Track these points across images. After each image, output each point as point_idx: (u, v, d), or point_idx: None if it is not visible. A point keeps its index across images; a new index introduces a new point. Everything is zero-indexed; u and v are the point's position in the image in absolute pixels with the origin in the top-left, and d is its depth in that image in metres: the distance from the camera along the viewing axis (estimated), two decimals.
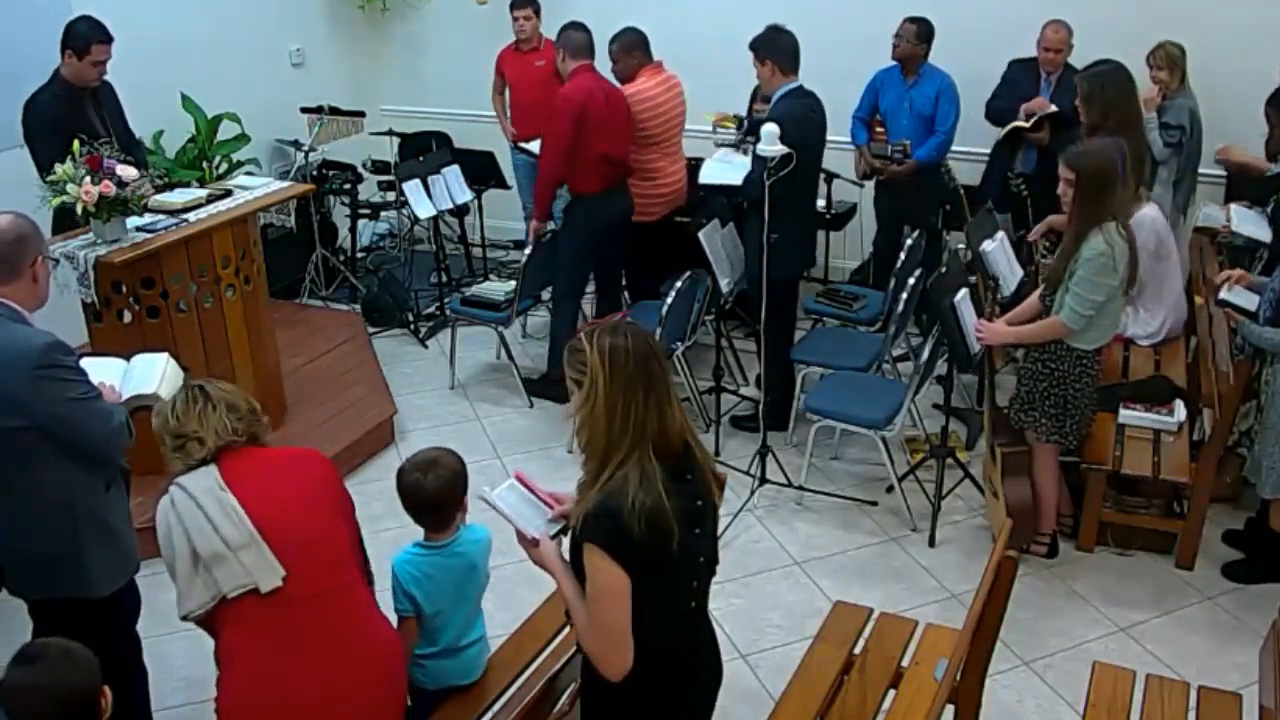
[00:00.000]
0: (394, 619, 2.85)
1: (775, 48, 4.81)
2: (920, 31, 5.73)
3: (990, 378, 4.50)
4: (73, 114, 4.76)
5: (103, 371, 3.10)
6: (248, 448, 2.60)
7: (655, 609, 2.19)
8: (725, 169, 5.48)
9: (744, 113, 5.78)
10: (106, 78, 4.92)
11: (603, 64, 5.48)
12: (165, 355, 3.29)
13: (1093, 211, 3.87)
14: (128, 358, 3.26)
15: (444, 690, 2.96)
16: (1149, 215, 4.61)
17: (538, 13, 6.47)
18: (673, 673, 2.30)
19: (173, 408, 2.59)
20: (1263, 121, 5.06)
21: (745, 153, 5.16)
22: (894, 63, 5.87)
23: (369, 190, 7.34)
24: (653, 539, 2.11)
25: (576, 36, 5.34)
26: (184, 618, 2.51)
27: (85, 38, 4.71)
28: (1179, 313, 4.91)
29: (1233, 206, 4.93)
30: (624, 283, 5.98)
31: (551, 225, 5.68)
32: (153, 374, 3.16)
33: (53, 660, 2.09)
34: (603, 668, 2.21)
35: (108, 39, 4.76)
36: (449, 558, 2.87)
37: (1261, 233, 4.80)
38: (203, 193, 4.90)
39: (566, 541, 2.31)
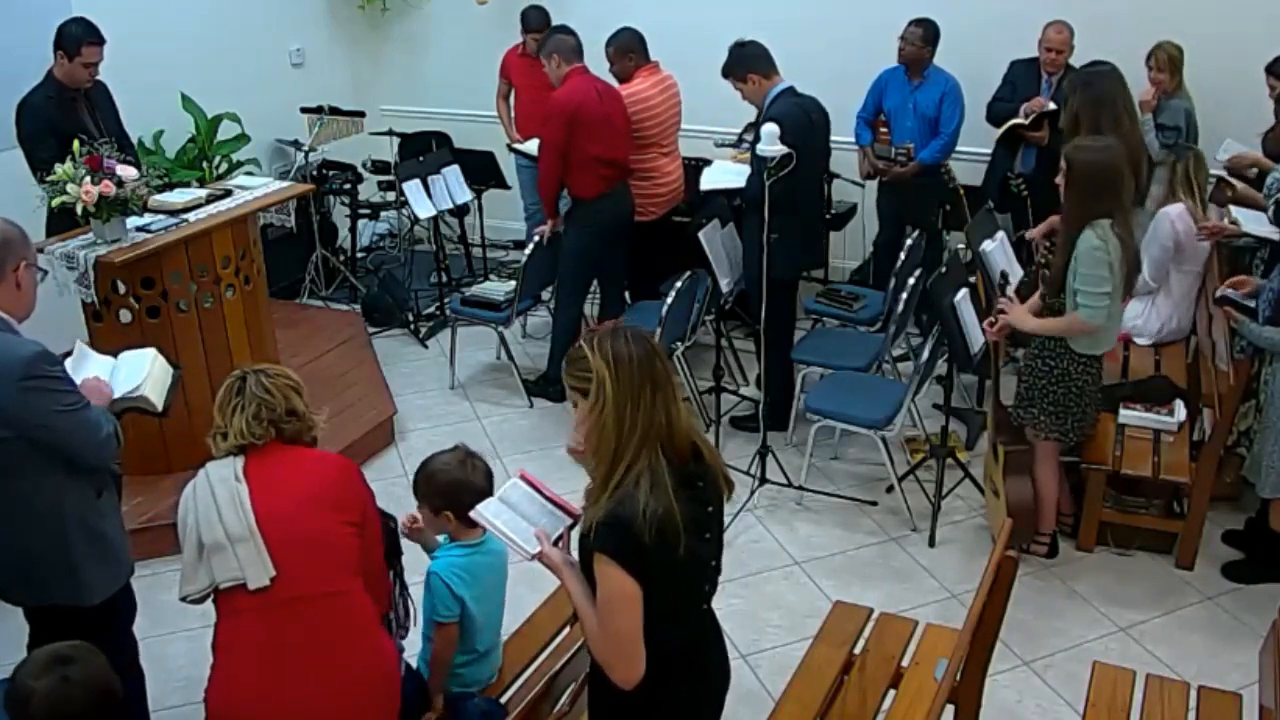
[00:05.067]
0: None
1: (747, 60, 4.81)
2: (925, 34, 5.72)
3: (995, 376, 4.49)
4: (66, 115, 4.75)
5: (91, 369, 3.06)
6: (276, 444, 2.59)
7: (665, 614, 2.18)
8: (726, 174, 5.49)
9: (748, 119, 5.78)
10: (101, 79, 4.91)
11: (600, 66, 5.48)
12: (152, 352, 3.22)
13: (1084, 208, 3.84)
14: (115, 355, 3.21)
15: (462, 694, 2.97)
16: (1173, 212, 4.60)
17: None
18: (682, 676, 2.29)
19: (219, 395, 2.61)
20: (1257, 123, 5.05)
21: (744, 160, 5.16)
22: (898, 63, 5.86)
23: (369, 190, 7.34)
24: (663, 546, 2.10)
25: (568, 40, 5.34)
26: (183, 599, 2.54)
27: (76, 39, 4.69)
28: (1186, 316, 4.89)
29: (1233, 209, 4.91)
30: (626, 284, 5.98)
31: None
32: (139, 373, 3.10)
33: (84, 662, 2.13)
34: (614, 675, 2.18)
35: (99, 40, 4.74)
36: (487, 555, 2.87)
37: (1268, 230, 4.78)
38: (203, 193, 4.90)
39: (575, 544, 2.29)
